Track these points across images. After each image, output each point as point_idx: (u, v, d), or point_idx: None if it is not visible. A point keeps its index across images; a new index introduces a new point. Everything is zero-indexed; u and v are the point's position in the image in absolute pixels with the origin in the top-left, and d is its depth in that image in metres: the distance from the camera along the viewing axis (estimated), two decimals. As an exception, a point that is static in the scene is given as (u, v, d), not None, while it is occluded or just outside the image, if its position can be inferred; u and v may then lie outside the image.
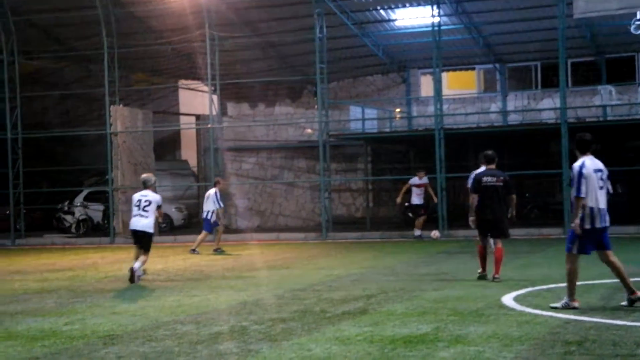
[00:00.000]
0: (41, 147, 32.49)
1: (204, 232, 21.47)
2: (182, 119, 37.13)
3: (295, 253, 20.69)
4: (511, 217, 13.49)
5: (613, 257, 10.06)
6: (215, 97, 29.22)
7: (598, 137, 30.13)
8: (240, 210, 32.54)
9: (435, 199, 24.46)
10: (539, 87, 31.15)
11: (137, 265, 14.72)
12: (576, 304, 9.87)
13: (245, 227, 31.38)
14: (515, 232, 18.41)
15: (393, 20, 29.75)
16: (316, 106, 28.84)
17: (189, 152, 37.43)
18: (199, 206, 33.20)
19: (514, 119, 30.40)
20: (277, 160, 32.91)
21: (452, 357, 7.45)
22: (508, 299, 10.86)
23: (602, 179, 9.96)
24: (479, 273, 13.40)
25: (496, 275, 13.04)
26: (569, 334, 8.30)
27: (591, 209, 9.85)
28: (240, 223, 32.15)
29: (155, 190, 15.36)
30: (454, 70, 32.18)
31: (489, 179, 13.19)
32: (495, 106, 31.00)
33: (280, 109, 33.37)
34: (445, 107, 28.03)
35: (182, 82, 35.55)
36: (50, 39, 30.53)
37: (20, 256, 22.65)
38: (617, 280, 12.58)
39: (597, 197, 9.88)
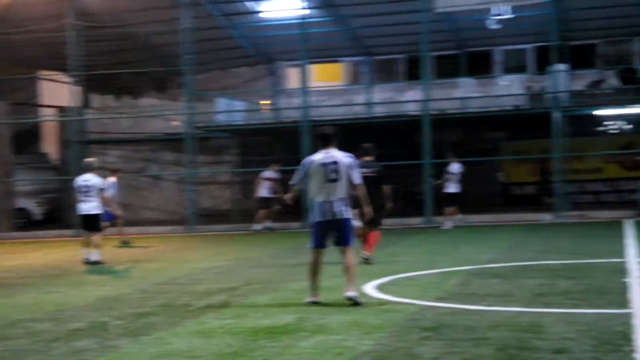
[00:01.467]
0: None
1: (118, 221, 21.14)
2: (44, 110, 35.95)
3: (160, 246, 20.45)
4: (387, 207, 14.14)
5: (321, 257, 10.04)
6: (78, 89, 28.44)
7: (459, 128, 31.03)
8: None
9: (281, 195, 24.02)
10: (404, 79, 31.79)
11: (94, 256, 15.59)
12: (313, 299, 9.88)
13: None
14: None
15: (260, 12, 29.71)
16: (183, 98, 28.51)
17: (50, 145, 36.29)
18: (60, 200, 32.35)
19: (379, 110, 30.92)
20: (143, 153, 32.41)
21: (314, 346, 7.51)
22: (370, 288, 11.05)
23: (335, 171, 9.73)
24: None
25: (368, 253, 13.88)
26: (426, 320, 8.50)
27: (319, 203, 9.76)
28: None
29: (99, 175, 16.17)
30: (321, 62, 32.43)
31: (364, 170, 13.49)
32: (361, 98, 31.44)
33: (146, 100, 32.83)
34: (311, 99, 28.23)
35: (44, 73, 34.42)
36: None
37: None
38: (474, 266, 13.06)
39: (322, 190, 9.73)
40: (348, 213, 9.84)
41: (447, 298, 9.95)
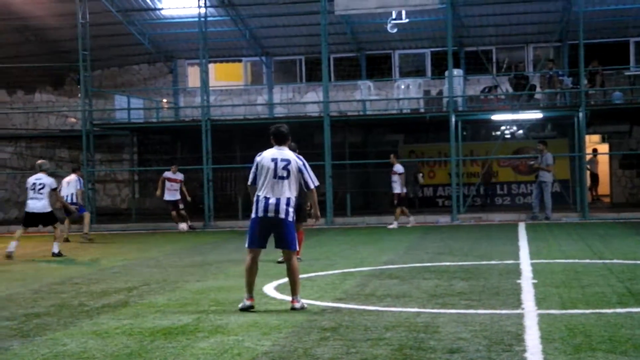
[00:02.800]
0: None
1: (87, 214, 21.51)
2: None
3: (48, 246, 19.93)
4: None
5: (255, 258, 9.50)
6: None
7: (359, 130, 31.33)
8: (-3, 202, 30.96)
9: (188, 198, 23.94)
10: (304, 80, 31.93)
11: (54, 248, 16.76)
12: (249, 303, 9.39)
13: (2, 219, 29.90)
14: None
15: (159, 9, 29.35)
16: (79, 94, 27.93)
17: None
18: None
19: (279, 111, 30.99)
20: (38, 150, 31.61)
21: (212, 347, 7.47)
22: (269, 288, 11.06)
23: (286, 169, 9.40)
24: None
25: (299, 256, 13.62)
26: (325, 320, 8.56)
27: (262, 198, 9.39)
28: (-3, 215, 30.61)
29: (49, 175, 16.95)
30: (221, 62, 32.29)
31: None
32: (261, 98, 31.45)
33: (41, 96, 32.04)
34: (212, 98, 28.08)
35: None
36: None
37: None
38: (373, 267, 13.23)
39: (267, 186, 9.38)
40: (291, 215, 9.38)
41: (346, 299, 10.05)
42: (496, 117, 27.08)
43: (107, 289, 11.52)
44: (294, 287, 9.41)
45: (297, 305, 9.31)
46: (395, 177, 22.81)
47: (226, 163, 27.08)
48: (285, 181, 9.37)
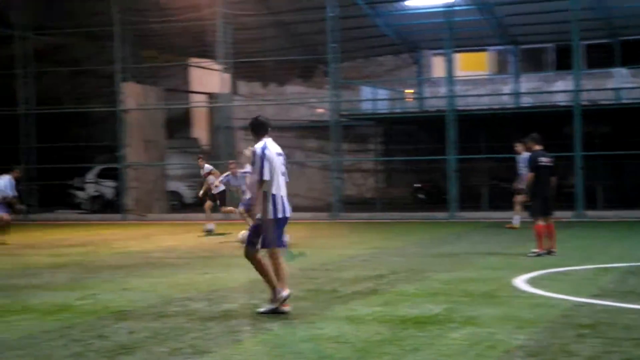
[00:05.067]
0: (54, 123, 32.52)
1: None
2: (194, 97, 37.09)
3: (306, 233, 20.67)
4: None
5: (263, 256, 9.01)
6: (227, 76, 29.16)
7: (611, 119, 29.93)
8: (251, 189, 32.53)
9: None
10: (553, 69, 30.95)
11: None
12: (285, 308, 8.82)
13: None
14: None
15: (405, 0, 29.54)
16: (327, 86, 28.75)
17: (200, 131, 37.40)
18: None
19: (526, 101, 30.25)
20: (288, 140, 32.86)
21: (464, 338, 7.44)
22: (520, 282, 10.83)
23: (283, 164, 8.96)
24: (537, 252, 13.68)
25: (553, 249, 13.76)
26: (581, 317, 8.27)
27: (280, 197, 8.84)
28: (250, 202, 32.16)
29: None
30: (466, 51, 31.98)
31: (544, 159, 13.90)
32: (507, 88, 30.84)
33: (291, 88, 33.30)
34: (456, 88, 27.90)
35: (194, 60, 35.47)
36: (62, 14, 30.49)
37: (33, 231, 22.75)
38: (630, 264, 12.59)
39: (280, 183, 8.88)
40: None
41: (603, 295, 9.64)
42: None
43: (357, 276, 11.78)
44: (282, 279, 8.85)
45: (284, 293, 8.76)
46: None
47: (470, 153, 26.81)
48: (285, 176, 9.01)
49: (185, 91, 37.19)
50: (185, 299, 9.99)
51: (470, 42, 31.27)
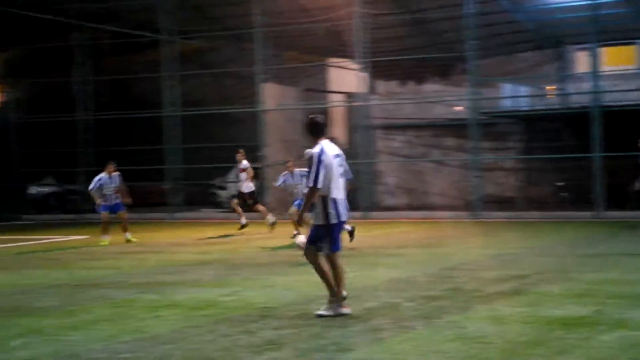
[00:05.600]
0: (198, 124, 33.52)
1: None
2: (332, 96, 37.39)
3: (445, 231, 20.54)
4: None
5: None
6: (364, 75, 29.25)
7: None
8: (389, 188, 32.57)
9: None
10: None
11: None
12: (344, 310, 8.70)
13: (395, 205, 31.40)
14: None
15: (546, -6, 28.83)
16: (466, 83, 28.40)
17: (338, 130, 37.67)
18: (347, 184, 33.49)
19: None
20: (426, 138, 32.69)
21: (615, 341, 7.20)
22: (671, 284, 10.41)
23: (341, 164, 8.68)
24: None
25: None
26: None
27: (340, 200, 8.65)
28: (389, 200, 32.20)
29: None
30: (612, 45, 30.87)
31: None
32: (656, 83, 29.60)
33: (429, 86, 33.06)
34: (602, 83, 26.98)
35: (332, 60, 35.76)
36: (207, 19, 31.40)
37: (179, 229, 23.51)
38: None
39: (340, 186, 8.65)
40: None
41: None
42: None
43: (499, 276, 11.59)
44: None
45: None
46: None
47: (617, 151, 25.86)
48: (343, 179, 8.72)
49: (323, 91, 37.53)
50: (325, 296, 10.07)
51: (616, 36, 30.18)
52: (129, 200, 19.35)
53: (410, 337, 7.61)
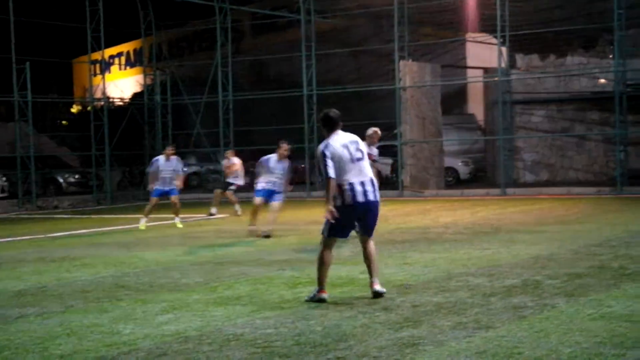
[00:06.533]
0: (337, 102, 33.74)
1: None
2: (470, 72, 36.85)
3: (587, 208, 19.95)
4: None
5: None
6: (504, 49, 28.66)
7: None
8: (528, 164, 31.88)
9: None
10: None
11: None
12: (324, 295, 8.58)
13: (533, 181, 30.73)
14: None
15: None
16: (611, 55, 27.36)
17: (476, 106, 37.13)
18: (485, 160, 33.05)
19: None
20: (568, 113, 31.73)
21: None
22: None
23: (358, 149, 8.73)
24: None
25: None
26: None
27: (347, 184, 8.62)
28: (527, 177, 31.53)
29: None
30: None
31: None
32: None
33: (572, 59, 32.05)
34: None
35: (470, 35, 35.23)
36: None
37: (316, 208, 23.68)
38: None
39: (354, 170, 8.64)
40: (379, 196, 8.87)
41: None
42: None
43: (649, 254, 11.17)
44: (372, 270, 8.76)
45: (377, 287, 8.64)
46: None
47: None
48: (363, 162, 8.74)
49: (460, 67, 37.05)
50: (465, 274, 10.00)
51: None
52: (180, 185, 18.81)
53: (552, 314, 7.45)
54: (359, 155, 8.74)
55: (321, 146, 8.78)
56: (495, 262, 10.95)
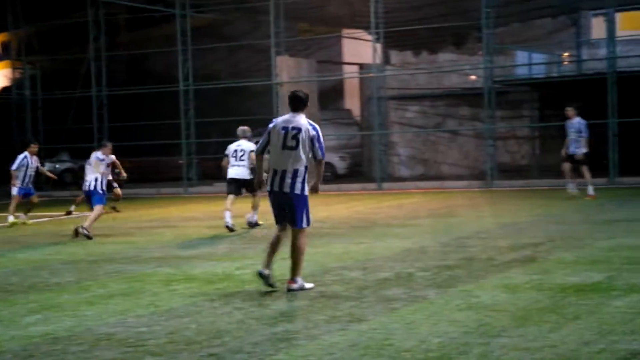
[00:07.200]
0: (212, 98, 33.51)
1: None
2: (346, 68, 37.28)
3: (459, 201, 20.52)
4: None
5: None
6: (378, 46, 29.11)
7: None
8: (403, 159, 32.53)
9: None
10: None
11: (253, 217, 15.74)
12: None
13: (408, 176, 31.37)
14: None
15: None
16: (481, 52, 28.22)
17: (352, 102, 37.60)
18: (362, 155, 33.49)
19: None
20: (440, 108, 32.54)
21: (628, 306, 7.21)
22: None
23: (294, 137, 8.61)
24: None
25: None
26: None
27: (271, 170, 8.73)
28: (403, 171, 32.16)
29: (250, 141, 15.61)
30: (628, 10, 30.52)
31: None
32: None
33: (444, 55, 32.88)
34: (617, 49, 26.74)
35: (346, 31, 35.61)
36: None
37: (193, 204, 23.60)
38: None
39: (276, 157, 8.70)
40: (299, 189, 8.64)
41: None
42: None
43: (514, 244, 11.59)
44: (295, 268, 8.74)
45: (295, 286, 8.67)
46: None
47: (632, 117, 25.68)
48: (293, 152, 8.60)
49: (337, 62, 37.44)
50: (341, 267, 10.14)
51: (632, 0, 29.84)
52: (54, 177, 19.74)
53: (423, 306, 7.64)
54: (292, 144, 8.60)
55: (273, 121, 8.87)
56: (370, 255, 11.14)
